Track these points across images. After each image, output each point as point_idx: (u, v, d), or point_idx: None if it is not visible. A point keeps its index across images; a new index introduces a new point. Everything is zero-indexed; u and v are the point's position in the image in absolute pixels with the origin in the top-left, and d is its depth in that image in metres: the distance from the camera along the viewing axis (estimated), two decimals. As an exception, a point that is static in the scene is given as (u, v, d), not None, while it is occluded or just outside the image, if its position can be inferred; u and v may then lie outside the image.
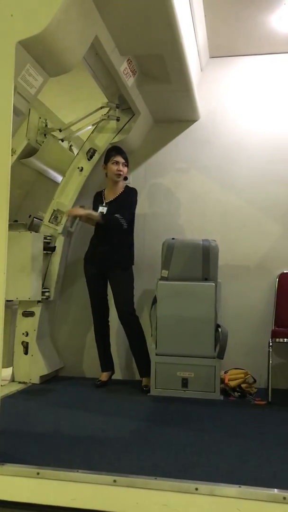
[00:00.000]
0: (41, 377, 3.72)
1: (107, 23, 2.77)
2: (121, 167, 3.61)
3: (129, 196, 3.69)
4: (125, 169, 3.65)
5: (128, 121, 3.89)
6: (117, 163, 3.60)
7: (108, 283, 3.70)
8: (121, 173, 3.62)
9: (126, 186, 3.74)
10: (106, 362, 3.77)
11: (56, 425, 2.74)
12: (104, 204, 3.65)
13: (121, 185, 3.71)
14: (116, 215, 3.54)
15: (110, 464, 2.12)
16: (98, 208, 3.65)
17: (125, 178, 3.73)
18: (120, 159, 3.60)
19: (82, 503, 1.90)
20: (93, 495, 1.92)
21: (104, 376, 3.72)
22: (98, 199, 3.75)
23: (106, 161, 3.67)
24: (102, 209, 3.62)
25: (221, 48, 4.01)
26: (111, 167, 3.61)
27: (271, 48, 3.96)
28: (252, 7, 3.43)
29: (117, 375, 3.88)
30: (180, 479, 1.94)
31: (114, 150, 3.65)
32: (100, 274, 3.68)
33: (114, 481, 1.92)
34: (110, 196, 3.70)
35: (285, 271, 3.86)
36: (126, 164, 3.66)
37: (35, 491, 1.96)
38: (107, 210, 3.60)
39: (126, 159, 3.65)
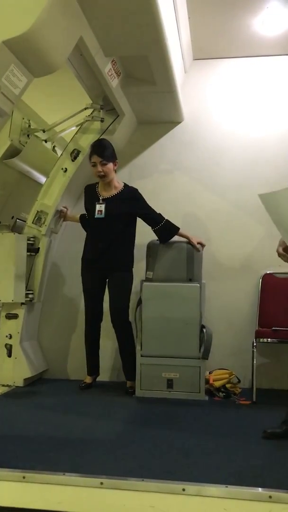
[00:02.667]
0: (25, 379, 3.69)
1: (91, 24, 2.76)
2: (99, 168, 3.42)
3: (139, 198, 3.55)
4: (106, 167, 3.43)
5: (112, 122, 3.88)
6: (94, 164, 3.44)
7: (107, 284, 3.59)
8: (102, 173, 3.45)
9: (125, 185, 3.59)
10: (94, 366, 3.73)
11: (41, 428, 2.72)
12: (100, 201, 3.50)
13: (116, 180, 3.56)
14: (162, 219, 3.54)
15: (96, 466, 2.11)
16: (94, 205, 3.51)
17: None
18: (97, 159, 3.41)
19: (69, 506, 1.88)
20: (80, 498, 1.91)
21: (89, 379, 3.70)
22: (92, 195, 3.57)
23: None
24: (100, 206, 3.48)
25: (205, 50, 4.04)
26: (92, 169, 3.49)
27: (254, 51, 4.00)
28: (235, 10, 3.46)
29: (102, 377, 3.86)
30: (167, 480, 1.94)
31: (92, 149, 3.47)
32: (100, 275, 3.55)
33: (101, 483, 1.91)
34: (106, 192, 3.54)
35: (268, 272, 3.90)
36: (108, 159, 3.43)
37: (20, 495, 1.94)
38: (105, 207, 3.47)
39: (106, 155, 3.42)
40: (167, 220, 3.58)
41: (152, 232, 3.63)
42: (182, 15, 3.43)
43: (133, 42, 3.00)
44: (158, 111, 3.97)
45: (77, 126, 3.94)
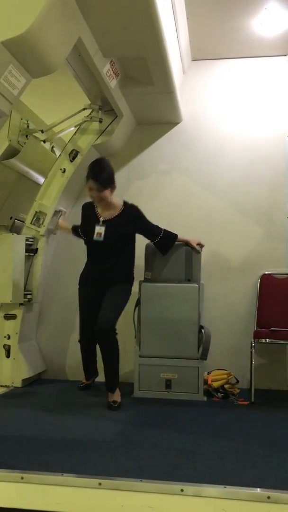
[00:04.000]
0: (24, 380, 3.69)
1: (90, 25, 2.76)
2: (95, 194, 3.25)
3: (140, 216, 3.40)
4: (103, 194, 3.23)
5: (111, 123, 3.88)
6: (90, 189, 3.25)
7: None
8: (97, 199, 3.29)
9: (125, 203, 3.40)
10: (89, 371, 3.66)
11: (40, 428, 2.72)
12: (100, 223, 3.32)
13: (116, 201, 3.38)
14: (160, 231, 3.44)
15: (95, 467, 2.12)
16: (92, 227, 3.32)
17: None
18: (92, 184, 3.22)
19: (67, 507, 1.88)
20: (78, 499, 1.91)
21: (87, 380, 3.69)
22: (91, 215, 3.39)
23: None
24: (100, 229, 3.30)
25: (203, 51, 4.04)
26: (88, 192, 3.31)
27: (252, 52, 4.00)
28: (234, 11, 3.47)
29: (101, 377, 3.85)
30: (165, 480, 1.94)
31: (89, 171, 3.26)
32: (98, 292, 3.34)
33: (99, 484, 1.91)
34: (106, 213, 3.35)
35: (266, 272, 3.90)
36: (104, 186, 3.22)
37: (19, 495, 1.94)
38: (106, 230, 3.30)
39: (102, 180, 3.21)
40: (164, 230, 3.47)
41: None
42: (180, 15, 3.44)
43: (132, 43, 3.00)
44: (157, 111, 3.97)
45: (75, 126, 3.94)
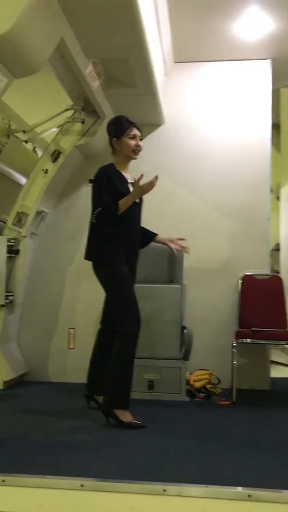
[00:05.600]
0: (5, 382, 3.66)
1: (73, 26, 2.76)
2: (139, 142, 2.99)
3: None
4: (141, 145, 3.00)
5: (93, 124, 3.88)
6: (134, 137, 2.96)
7: None
8: (139, 149, 3.00)
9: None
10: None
11: (22, 430, 2.70)
12: (129, 184, 3.01)
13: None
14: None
15: (77, 468, 2.11)
16: (128, 188, 2.97)
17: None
18: (137, 132, 2.98)
19: (50, 509, 1.87)
20: (61, 501, 1.90)
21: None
22: (119, 176, 2.98)
23: (118, 135, 2.97)
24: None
25: (186, 54, 4.07)
26: (128, 142, 2.95)
27: (235, 55, 4.04)
28: (215, 14, 3.50)
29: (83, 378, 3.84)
30: (147, 481, 1.95)
31: (127, 121, 2.98)
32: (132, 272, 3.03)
33: (82, 485, 1.90)
34: (128, 175, 3.07)
35: (248, 273, 3.94)
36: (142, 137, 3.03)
37: (1, 498, 1.93)
38: None
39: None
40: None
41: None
42: (163, 18, 3.46)
43: (114, 45, 3.01)
44: (139, 113, 3.96)
45: (58, 127, 3.93)
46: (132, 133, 2.96)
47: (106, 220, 2.86)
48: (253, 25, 3.59)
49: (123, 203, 2.84)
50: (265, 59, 4.09)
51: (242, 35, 3.74)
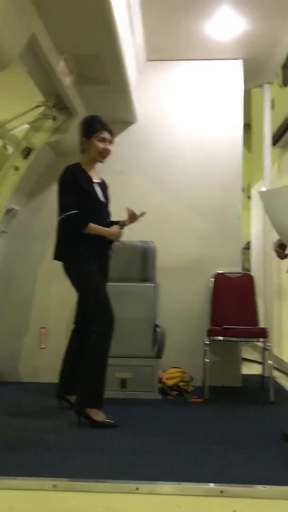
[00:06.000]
0: (-25, 383, 3.60)
1: (45, 22, 2.72)
2: (109, 146, 2.98)
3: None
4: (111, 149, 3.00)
5: (65, 120, 3.84)
6: (103, 140, 2.95)
7: None
8: (109, 153, 3.00)
9: None
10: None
11: (-8, 432, 2.66)
12: (95, 185, 3.03)
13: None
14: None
15: (49, 469, 2.08)
16: (93, 188, 3.00)
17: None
18: (108, 136, 2.97)
19: (21, 511, 1.85)
20: (32, 502, 1.88)
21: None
22: (85, 176, 2.98)
23: (88, 135, 2.96)
24: (99, 190, 3.04)
25: (158, 52, 4.07)
26: (97, 145, 2.94)
27: (207, 54, 4.07)
28: (188, 14, 3.51)
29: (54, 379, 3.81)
30: (120, 480, 1.95)
31: (99, 122, 2.96)
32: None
33: (54, 486, 1.88)
34: (94, 176, 3.06)
35: (220, 271, 3.98)
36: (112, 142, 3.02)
37: None
38: (101, 192, 3.06)
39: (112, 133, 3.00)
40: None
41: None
42: (136, 15, 3.45)
43: (87, 41, 2.98)
44: (112, 111, 3.96)
45: (29, 123, 3.87)
46: (102, 135, 2.95)
47: (71, 229, 2.89)
48: (225, 25, 3.62)
49: (93, 229, 2.87)
50: (237, 59, 4.13)
51: (215, 35, 3.77)
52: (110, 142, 3.01)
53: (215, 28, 3.67)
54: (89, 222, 2.87)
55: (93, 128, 2.96)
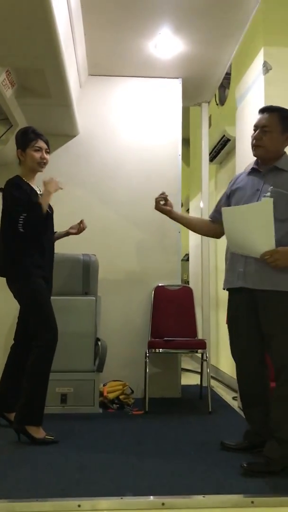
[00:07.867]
0: None
1: (-15, 33, 2.69)
2: (45, 155, 2.96)
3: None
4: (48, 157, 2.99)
5: (5, 132, 3.79)
6: (39, 150, 2.93)
7: None
8: (45, 162, 2.97)
9: None
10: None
11: None
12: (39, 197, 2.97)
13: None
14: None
15: (-13, 490, 2.03)
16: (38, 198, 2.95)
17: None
18: (43, 145, 2.95)
19: None
20: None
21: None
22: (29, 188, 2.95)
23: (23, 146, 2.94)
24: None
25: (100, 67, 4.12)
26: (33, 155, 2.92)
27: (148, 72, 4.16)
28: (130, 32, 3.58)
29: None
30: (62, 497, 1.93)
31: (33, 133, 2.95)
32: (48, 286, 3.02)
33: (-7, 508, 1.84)
34: (37, 188, 3.05)
35: (160, 284, 4.05)
36: (49, 150, 3.02)
37: None
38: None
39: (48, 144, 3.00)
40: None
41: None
42: (78, 30, 3.47)
43: (29, 54, 2.97)
44: (53, 123, 3.95)
45: None
46: (37, 145, 2.94)
47: (33, 225, 2.82)
48: (166, 45, 3.72)
49: (42, 203, 2.85)
50: (177, 78, 4.26)
51: (156, 54, 3.86)
52: (47, 150, 3.00)
53: (156, 48, 3.76)
54: (41, 207, 2.83)
55: (27, 138, 2.95)
